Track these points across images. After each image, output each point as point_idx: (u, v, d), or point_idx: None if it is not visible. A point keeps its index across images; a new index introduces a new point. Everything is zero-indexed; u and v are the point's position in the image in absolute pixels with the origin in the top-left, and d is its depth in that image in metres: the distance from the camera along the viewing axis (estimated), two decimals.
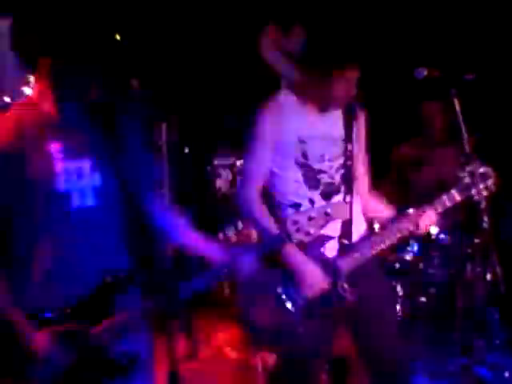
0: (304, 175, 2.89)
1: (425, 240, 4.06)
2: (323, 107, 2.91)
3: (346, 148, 2.95)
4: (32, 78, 2.26)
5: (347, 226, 2.91)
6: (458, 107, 2.82)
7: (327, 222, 2.29)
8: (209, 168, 6.34)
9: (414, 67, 2.82)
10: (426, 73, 2.80)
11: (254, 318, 2.85)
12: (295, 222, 2.27)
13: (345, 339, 3.74)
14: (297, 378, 2.93)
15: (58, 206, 2.20)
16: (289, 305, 2.81)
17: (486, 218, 2.93)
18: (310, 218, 2.26)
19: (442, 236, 4.08)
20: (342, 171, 2.94)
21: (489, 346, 3.99)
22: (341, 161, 2.94)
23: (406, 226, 2.89)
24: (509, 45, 5.36)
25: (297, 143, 2.87)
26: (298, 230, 2.27)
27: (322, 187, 2.89)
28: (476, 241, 3.89)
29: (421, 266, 4.09)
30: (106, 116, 2.20)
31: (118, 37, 5.08)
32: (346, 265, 2.82)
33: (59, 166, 2.20)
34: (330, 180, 2.91)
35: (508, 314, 3.97)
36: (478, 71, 2.89)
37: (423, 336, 4.13)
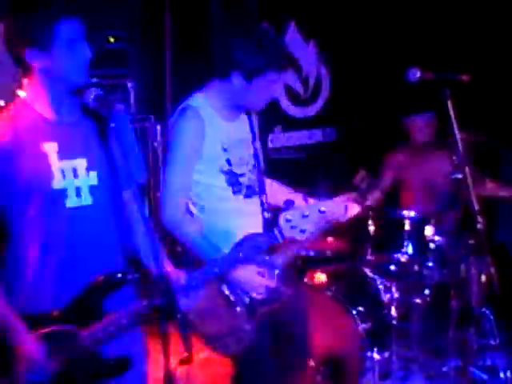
0: (228, 181, 2.89)
1: (419, 241, 4.07)
2: (237, 113, 2.94)
3: (254, 148, 2.98)
4: (26, 80, 2.26)
5: (269, 225, 2.89)
6: (451, 108, 2.81)
7: (321, 219, 2.31)
8: None
9: (407, 68, 2.79)
10: (419, 74, 2.77)
11: (206, 326, 2.81)
12: (288, 220, 2.29)
13: (341, 340, 3.76)
14: (256, 379, 2.92)
15: (54, 204, 2.22)
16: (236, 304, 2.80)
17: (480, 219, 2.94)
18: (304, 216, 2.27)
19: (436, 237, 4.09)
20: (256, 171, 2.96)
21: (484, 346, 3.99)
22: (252, 161, 2.97)
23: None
24: (504, 45, 5.38)
25: (221, 152, 2.86)
26: (292, 228, 2.29)
27: (244, 190, 2.90)
28: (470, 242, 3.89)
29: (415, 267, 4.09)
30: (101, 116, 2.20)
31: (111, 39, 5.10)
32: (280, 262, 2.83)
33: (55, 166, 2.22)
34: (248, 182, 2.93)
35: (503, 314, 3.97)
36: (474, 72, 2.88)
37: (418, 337, 4.13)
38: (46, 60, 2.16)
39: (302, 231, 2.29)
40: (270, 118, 5.92)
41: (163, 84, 5.62)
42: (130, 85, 5.20)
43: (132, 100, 5.24)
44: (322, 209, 2.30)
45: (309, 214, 2.28)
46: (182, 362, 2.14)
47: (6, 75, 2.27)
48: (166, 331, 2.04)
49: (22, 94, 2.27)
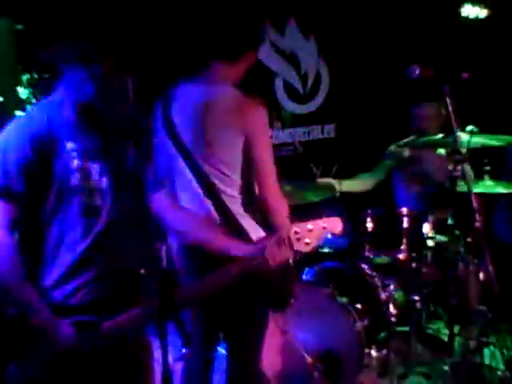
0: None
1: (418, 239, 4.07)
2: None
3: None
4: (25, 78, 2.29)
5: None
6: (450, 106, 2.81)
7: (323, 234, 2.43)
8: None
9: (406, 65, 2.80)
10: (418, 71, 2.77)
11: None
12: (296, 232, 2.40)
13: (338, 337, 3.76)
14: None
15: (71, 200, 2.30)
16: None
17: (478, 217, 2.94)
18: (310, 230, 2.40)
19: (434, 235, 4.09)
20: None
21: (482, 344, 3.99)
22: None
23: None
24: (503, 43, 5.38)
25: None
26: (298, 240, 2.40)
27: None
28: (468, 240, 3.90)
29: (414, 264, 4.10)
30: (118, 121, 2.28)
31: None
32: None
33: (74, 164, 2.30)
34: None
35: (501, 312, 3.98)
36: (474, 69, 2.88)
37: (416, 334, 4.14)
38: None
39: (307, 244, 2.41)
40: (268, 115, 5.92)
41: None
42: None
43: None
44: (324, 225, 2.42)
45: (313, 228, 2.41)
46: (181, 359, 2.15)
47: (4, 72, 2.29)
48: (163, 327, 2.05)
49: (21, 91, 2.31)
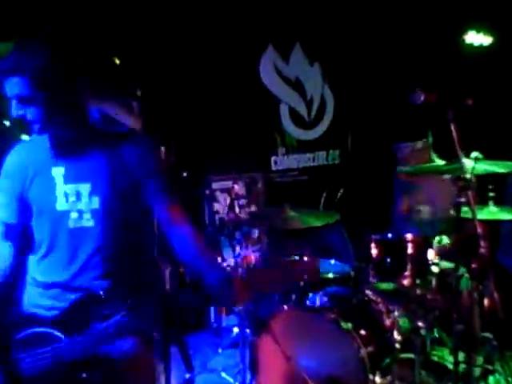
0: None
1: (422, 265, 4.06)
2: None
3: None
4: None
5: None
6: (454, 131, 2.82)
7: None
8: (207, 192, 6.36)
9: (411, 90, 2.81)
10: (423, 97, 2.79)
11: None
12: None
13: (342, 363, 3.74)
14: None
15: (59, 224, 2.35)
16: None
17: (483, 244, 2.92)
18: None
19: (439, 261, 4.08)
20: None
21: (487, 371, 3.96)
22: None
23: None
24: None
25: None
26: None
27: None
28: (473, 266, 3.88)
29: (418, 291, 4.08)
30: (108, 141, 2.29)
31: (117, 61, 5.13)
32: None
33: (60, 189, 2.35)
34: None
35: (506, 339, 3.95)
36: (478, 96, 2.90)
37: (421, 361, 4.11)
38: None
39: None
40: (273, 140, 5.95)
41: (167, 104, 5.65)
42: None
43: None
44: None
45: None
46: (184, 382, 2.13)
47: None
48: (167, 354, 2.05)
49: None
